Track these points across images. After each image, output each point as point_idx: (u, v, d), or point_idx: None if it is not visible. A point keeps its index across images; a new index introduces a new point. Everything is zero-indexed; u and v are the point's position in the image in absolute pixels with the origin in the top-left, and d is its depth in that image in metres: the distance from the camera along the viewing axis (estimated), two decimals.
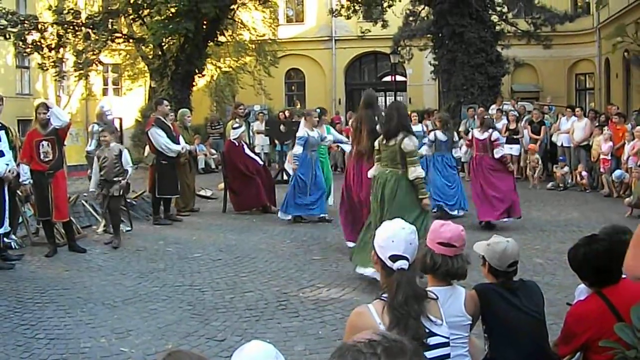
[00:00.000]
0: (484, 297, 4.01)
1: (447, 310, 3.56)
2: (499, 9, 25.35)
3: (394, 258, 3.37)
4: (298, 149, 12.33)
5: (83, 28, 24.69)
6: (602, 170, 16.14)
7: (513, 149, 19.01)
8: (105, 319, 6.96)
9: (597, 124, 17.52)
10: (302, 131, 12.40)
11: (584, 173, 16.80)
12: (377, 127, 9.32)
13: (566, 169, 17.43)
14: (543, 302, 4.19)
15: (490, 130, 11.91)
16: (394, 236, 3.43)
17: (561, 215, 13.30)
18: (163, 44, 24.25)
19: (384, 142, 8.34)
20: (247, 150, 14.22)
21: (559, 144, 18.19)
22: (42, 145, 9.86)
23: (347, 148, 13.41)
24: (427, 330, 3.27)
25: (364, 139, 9.44)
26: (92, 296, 7.82)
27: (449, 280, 3.88)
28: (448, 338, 3.38)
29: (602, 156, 16.26)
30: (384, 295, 3.36)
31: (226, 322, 6.81)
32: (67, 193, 10.86)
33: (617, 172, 15.50)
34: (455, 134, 14.21)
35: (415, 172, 8.10)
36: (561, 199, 15.60)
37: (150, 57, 27.06)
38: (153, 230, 12.19)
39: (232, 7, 25.50)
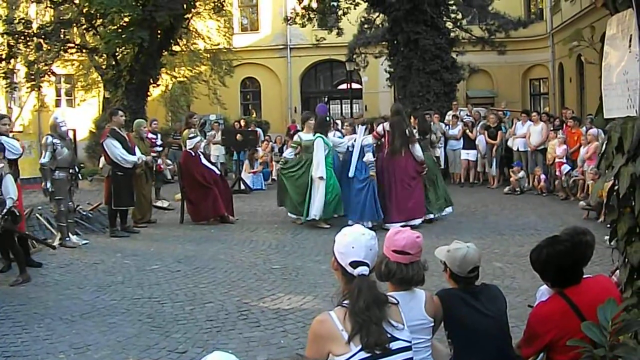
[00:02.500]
0: (446, 303, 4.02)
1: (408, 315, 3.55)
2: (453, 15, 25.54)
3: (355, 264, 3.37)
4: (370, 156, 12.53)
5: (35, 38, 24.27)
6: (557, 173, 16.33)
7: (470, 154, 19.18)
8: (63, 334, 6.83)
9: (551, 128, 17.73)
10: (370, 138, 12.78)
11: (542, 177, 16.99)
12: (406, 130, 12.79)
13: (522, 173, 17.61)
14: (505, 305, 4.22)
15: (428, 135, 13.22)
16: (354, 242, 3.41)
17: (519, 219, 13.43)
18: (117, 53, 24.00)
19: (420, 137, 13.20)
20: (204, 160, 14.13)
21: (514, 148, 18.38)
22: None
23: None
24: (389, 335, 3.26)
25: (397, 139, 12.60)
26: (49, 311, 7.68)
27: (406, 286, 3.88)
28: (410, 342, 3.37)
29: (557, 160, 16.47)
30: (345, 302, 3.34)
31: (187, 334, 6.73)
32: (23, 206, 10.66)
33: (566, 167, 15.73)
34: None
35: (438, 152, 13.99)
36: (518, 202, 15.75)
37: (103, 67, 26.77)
38: (110, 243, 12.04)
39: (186, 16, 25.34)
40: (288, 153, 13.82)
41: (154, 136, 16.49)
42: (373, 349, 3.18)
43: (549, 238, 4.16)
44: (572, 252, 3.99)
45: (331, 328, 3.27)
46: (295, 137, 13.72)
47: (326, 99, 38.77)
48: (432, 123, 19.35)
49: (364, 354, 3.17)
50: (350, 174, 12.65)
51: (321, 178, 12.62)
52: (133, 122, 14.90)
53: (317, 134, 12.87)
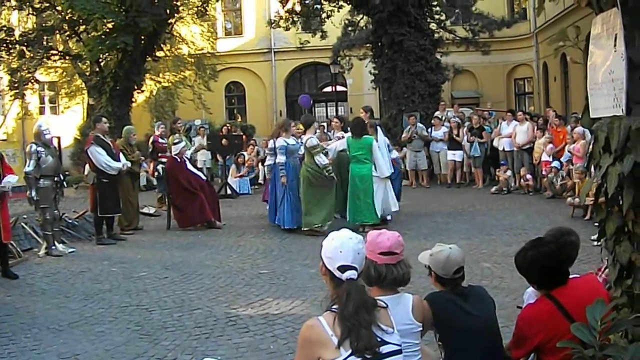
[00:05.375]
0: (436, 306, 4.00)
1: (395, 318, 3.53)
2: (437, 16, 25.61)
3: (343, 268, 3.34)
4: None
5: (17, 45, 24.19)
6: (544, 172, 16.35)
7: (456, 155, 19.18)
8: (50, 344, 6.78)
9: (536, 127, 17.76)
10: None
11: (528, 176, 17.02)
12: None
13: (509, 172, 17.63)
14: (494, 305, 4.21)
15: None
16: (341, 246, 3.39)
17: (506, 218, 13.45)
18: (100, 60, 23.92)
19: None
20: (190, 166, 14.10)
21: (500, 148, 18.37)
22: None
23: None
24: (379, 339, 3.24)
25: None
26: (37, 321, 7.63)
27: (395, 288, 3.87)
28: (400, 345, 3.36)
29: (543, 158, 16.50)
30: (333, 306, 3.33)
31: (176, 341, 6.70)
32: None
33: (556, 163, 15.75)
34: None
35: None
36: (505, 202, 15.78)
37: (87, 74, 26.69)
38: (96, 251, 11.97)
39: (170, 21, 25.28)
40: (323, 159, 12.46)
41: (164, 141, 16.36)
42: (363, 353, 3.16)
43: (533, 240, 4.17)
44: (557, 253, 4.00)
45: (320, 333, 3.24)
46: (314, 141, 12.55)
47: (311, 102, 38.84)
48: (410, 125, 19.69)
49: (354, 359, 3.15)
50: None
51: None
52: (117, 129, 14.82)
53: (368, 136, 12.63)
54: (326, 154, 12.75)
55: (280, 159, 12.65)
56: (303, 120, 13.36)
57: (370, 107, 15.09)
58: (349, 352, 3.15)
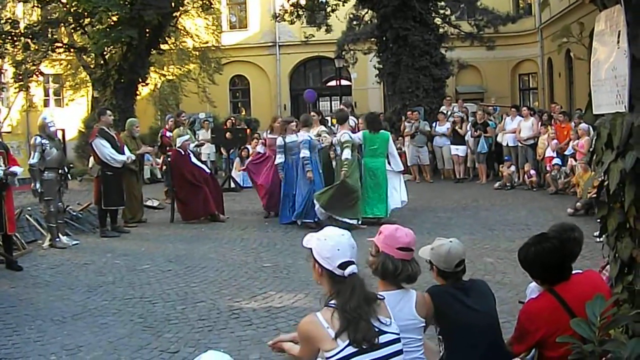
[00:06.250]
0: (437, 300, 4.01)
1: (399, 314, 3.59)
2: (442, 11, 25.61)
3: (344, 265, 3.42)
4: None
5: (22, 38, 24.17)
6: (547, 168, 16.33)
7: (459, 150, 19.17)
8: (54, 335, 6.81)
9: (540, 123, 17.73)
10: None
11: (532, 172, 17.00)
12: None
13: (512, 168, 17.62)
14: (494, 300, 4.22)
15: None
16: (338, 245, 3.48)
17: (509, 214, 13.44)
18: (105, 53, 23.91)
19: None
20: (194, 159, 14.10)
21: (504, 143, 18.32)
22: None
23: None
24: (377, 330, 3.32)
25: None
26: (40, 313, 7.65)
27: (400, 284, 3.90)
28: (398, 334, 3.43)
29: (547, 154, 16.48)
30: (331, 302, 3.41)
31: (179, 334, 6.72)
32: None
33: (557, 160, 15.75)
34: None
35: None
36: (509, 197, 15.77)
37: (92, 66, 26.62)
38: (100, 243, 12.00)
39: (174, 14, 25.27)
40: (348, 154, 12.22)
41: (172, 134, 16.30)
42: (361, 344, 3.26)
43: (537, 236, 4.17)
44: (560, 249, 4.00)
45: (317, 328, 3.34)
46: (346, 137, 12.37)
47: (316, 96, 38.81)
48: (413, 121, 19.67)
49: (352, 349, 3.25)
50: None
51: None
52: (121, 122, 14.82)
53: (385, 131, 12.91)
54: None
55: (305, 153, 12.52)
56: (338, 116, 13.35)
57: (351, 102, 15.15)
58: (347, 342, 3.25)
